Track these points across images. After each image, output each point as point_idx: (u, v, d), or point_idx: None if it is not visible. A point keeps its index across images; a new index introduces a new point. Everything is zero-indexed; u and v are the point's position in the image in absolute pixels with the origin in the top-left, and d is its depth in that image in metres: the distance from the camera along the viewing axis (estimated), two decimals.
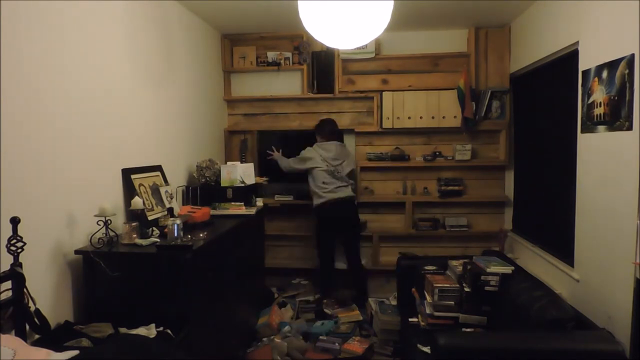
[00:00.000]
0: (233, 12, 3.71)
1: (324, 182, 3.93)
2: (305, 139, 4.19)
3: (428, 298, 2.86)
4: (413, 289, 3.11)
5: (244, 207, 3.35)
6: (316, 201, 3.98)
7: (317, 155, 3.98)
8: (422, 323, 2.85)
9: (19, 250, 1.77)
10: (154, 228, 2.52)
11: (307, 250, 4.51)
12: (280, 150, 4.21)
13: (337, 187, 3.94)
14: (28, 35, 1.92)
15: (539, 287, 2.55)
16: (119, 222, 2.48)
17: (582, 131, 2.68)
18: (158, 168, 3.02)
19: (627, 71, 2.20)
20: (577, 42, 2.77)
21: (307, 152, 4.03)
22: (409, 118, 4.21)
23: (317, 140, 4.11)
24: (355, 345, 3.27)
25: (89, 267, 2.17)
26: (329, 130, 4.08)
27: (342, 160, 4.04)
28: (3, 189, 1.77)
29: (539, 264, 3.41)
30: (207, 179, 3.53)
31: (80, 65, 2.25)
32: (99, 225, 2.23)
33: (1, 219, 1.75)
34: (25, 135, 1.90)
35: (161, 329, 2.03)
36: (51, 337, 1.87)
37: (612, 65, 2.34)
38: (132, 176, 2.68)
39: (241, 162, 3.95)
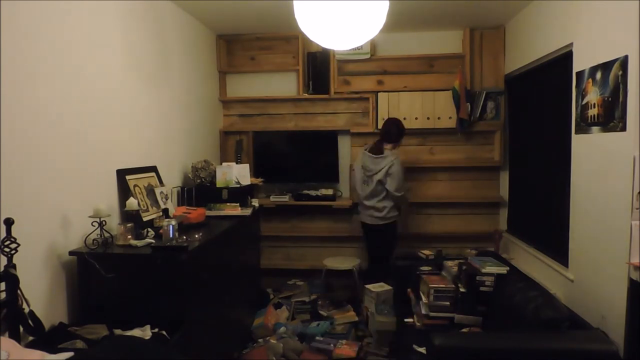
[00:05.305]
0: (228, 13, 3.70)
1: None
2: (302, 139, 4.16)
3: (424, 298, 2.87)
4: (409, 290, 3.11)
5: (239, 208, 3.34)
6: None
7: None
8: (418, 323, 2.86)
9: (13, 252, 1.76)
10: (149, 229, 2.51)
11: (303, 251, 4.51)
12: None
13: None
14: (21, 38, 1.91)
15: (534, 287, 2.56)
16: (114, 223, 2.47)
17: (576, 132, 2.69)
18: (153, 169, 3.01)
19: (620, 72, 2.21)
20: (572, 44, 2.78)
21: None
22: (404, 119, 4.21)
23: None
24: (346, 349, 3.24)
25: (84, 268, 2.16)
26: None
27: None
28: None
29: (533, 264, 3.42)
30: (203, 179, 3.52)
31: (74, 66, 2.24)
32: (94, 226, 2.22)
33: None
34: (19, 135, 1.88)
35: (156, 330, 2.02)
36: (45, 339, 1.86)
37: (605, 67, 2.35)
38: (127, 177, 2.67)
39: (237, 163, 3.94)
